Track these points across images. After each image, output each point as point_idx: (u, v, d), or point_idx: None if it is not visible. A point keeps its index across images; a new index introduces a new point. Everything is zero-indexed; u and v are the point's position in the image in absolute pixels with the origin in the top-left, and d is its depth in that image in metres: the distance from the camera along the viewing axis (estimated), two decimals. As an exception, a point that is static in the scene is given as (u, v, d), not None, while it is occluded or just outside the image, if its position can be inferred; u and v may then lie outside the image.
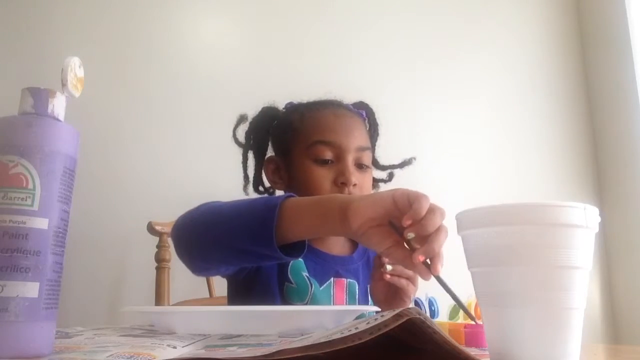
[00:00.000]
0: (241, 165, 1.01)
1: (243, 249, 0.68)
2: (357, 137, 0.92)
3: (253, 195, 1.01)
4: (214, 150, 1.45)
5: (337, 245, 0.96)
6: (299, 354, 0.35)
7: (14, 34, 1.34)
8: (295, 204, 0.67)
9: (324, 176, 0.89)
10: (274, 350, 0.35)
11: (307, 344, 0.35)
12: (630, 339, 1.89)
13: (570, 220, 0.40)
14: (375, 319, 0.36)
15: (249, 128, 1.01)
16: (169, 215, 1.21)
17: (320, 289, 0.90)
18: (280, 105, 1.03)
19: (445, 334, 0.39)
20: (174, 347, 0.45)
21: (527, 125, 2.01)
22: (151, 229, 1.21)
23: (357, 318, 0.62)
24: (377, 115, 1.05)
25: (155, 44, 1.49)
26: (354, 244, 1.00)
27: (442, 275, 0.58)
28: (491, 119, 1.94)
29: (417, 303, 0.76)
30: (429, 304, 0.73)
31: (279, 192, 1.00)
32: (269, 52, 1.62)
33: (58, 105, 0.44)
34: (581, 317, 0.41)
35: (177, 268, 0.86)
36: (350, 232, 0.62)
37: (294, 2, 1.70)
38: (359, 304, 0.92)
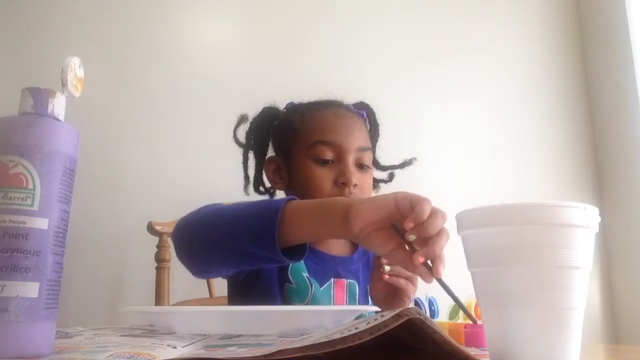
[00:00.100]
0: (241, 165, 1.01)
1: (244, 252, 0.68)
2: (357, 138, 0.92)
3: (253, 195, 1.01)
4: (214, 151, 1.45)
5: (337, 246, 0.96)
6: (299, 354, 0.35)
7: (14, 34, 1.34)
8: (297, 207, 0.67)
9: (324, 176, 0.89)
10: (274, 350, 0.35)
11: (307, 344, 0.35)
12: (630, 339, 1.89)
13: (570, 220, 0.40)
14: (375, 319, 0.36)
15: (249, 128, 1.01)
16: (169, 215, 1.21)
17: (321, 289, 0.90)
18: (281, 105, 1.03)
19: (445, 334, 0.39)
20: (174, 347, 0.45)
21: (527, 125, 2.01)
22: (151, 229, 1.21)
23: (357, 318, 0.62)
24: (377, 116, 1.05)
25: (155, 44, 1.49)
26: (354, 245, 0.99)
27: (443, 276, 0.58)
28: (491, 119, 1.94)
29: (417, 303, 0.76)
30: (429, 304, 0.73)
31: (280, 192, 1.00)
32: (269, 52, 1.62)
33: (58, 105, 0.44)
34: (581, 317, 0.41)
35: (177, 268, 0.86)
36: (352, 235, 0.62)
37: (294, 2, 1.70)
38: (359, 304, 0.92)
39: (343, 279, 0.93)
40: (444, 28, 1.93)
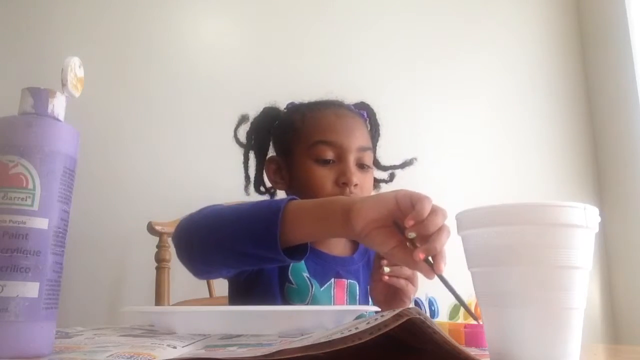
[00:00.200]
0: (241, 165, 1.01)
1: (245, 252, 0.68)
2: (358, 137, 0.92)
3: (254, 195, 1.01)
4: (214, 151, 1.45)
5: (338, 246, 0.96)
6: (299, 354, 0.35)
7: (14, 34, 1.34)
8: (298, 207, 0.67)
9: (325, 176, 0.89)
10: (274, 350, 0.35)
11: (307, 344, 0.35)
12: (630, 339, 1.89)
13: (570, 220, 0.40)
14: (375, 319, 0.36)
15: (250, 128, 1.01)
16: (169, 215, 1.21)
17: (321, 289, 0.90)
18: (282, 105, 1.03)
19: (445, 334, 0.39)
20: (174, 347, 0.45)
21: (527, 125, 2.01)
22: (151, 229, 1.21)
23: (357, 318, 0.62)
24: (377, 116, 1.05)
25: (155, 44, 1.49)
26: (355, 245, 1.00)
27: (445, 273, 0.58)
28: (491, 119, 1.94)
29: (417, 303, 0.76)
30: (429, 304, 0.73)
31: (280, 193, 1.00)
32: (269, 52, 1.62)
33: (58, 105, 0.44)
34: (581, 317, 0.41)
35: (177, 268, 0.86)
36: (353, 234, 0.62)
37: (294, 2, 1.70)
38: (359, 304, 0.92)
39: (343, 279, 0.93)
40: (444, 28, 1.93)
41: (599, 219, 0.42)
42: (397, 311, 0.36)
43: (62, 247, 0.43)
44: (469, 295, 0.54)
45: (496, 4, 2.06)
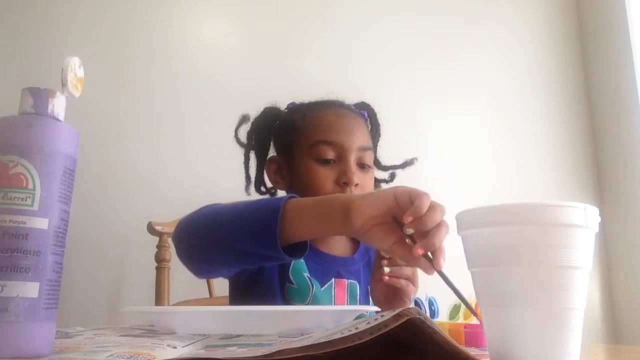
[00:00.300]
0: (242, 165, 1.01)
1: (246, 251, 0.68)
2: (359, 137, 0.92)
3: (255, 195, 1.01)
4: (214, 151, 1.45)
5: (338, 246, 0.96)
6: (299, 354, 0.35)
7: (14, 34, 1.34)
8: (297, 205, 0.67)
9: (326, 176, 0.89)
10: (274, 350, 0.35)
11: (307, 344, 0.35)
12: (630, 339, 1.89)
13: (570, 220, 0.40)
14: (375, 319, 0.36)
15: (250, 128, 1.01)
16: (169, 215, 1.21)
17: (322, 289, 0.90)
18: (282, 105, 1.03)
19: (445, 334, 0.39)
20: (174, 347, 0.45)
21: (527, 125, 2.01)
22: (151, 229, 1.21)
23: (357, 318, 0.62)
24: (378, 116, 1.05)
25: (155, 44, 1.49)
26: (356, 245, 1.00)
27: (445, 270, 0.58)
28: (491, 119, 1.94)
29: (417, 303, 0.76)
30: (429, 304, 0.73)
31: (281, 192, 1.00)
32: (269, 52, 1.62)
33: (58, 105, 0.44)
34: (581, 317, 0.41)
35: (177, 268, 0.86)
36: (352, 231, 0.62)
37: (294, 2, 1.70)
38: (360, 304, 0.92)
39: (344, 279, 0.93)
40: (444, 28, 1.93)
41: (599, 219, 0.42)
42: (397, 311, 0.36)
43: (62, 247, 0.43)
44: (469, 295, 0.54)
45: (496, 4, 2.06)
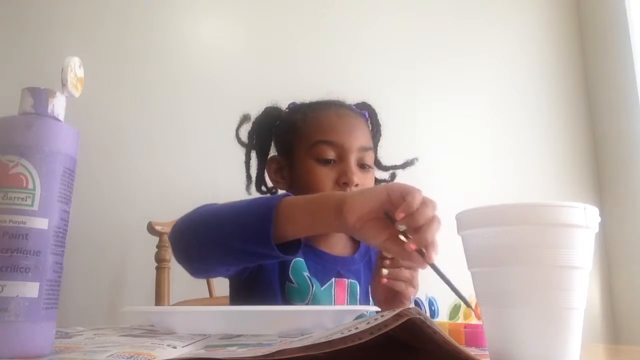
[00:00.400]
0: (241, 165, 1.01)
1: (241, 249, 0.69)
2: (359, 137, 0.92)
3: (255, 194, 1.01)
4: (214, 151, 1.45)
5: (338, 246, 0.97)
6: (299, 354, 0.35)
7: (14, 34, 1.34)
8: (291, 203, 0.68)
9: (326, 176, 0.89)
10: (274, 350, 0.35)
11: (307, 344, 0.35)
12: (630, 339, 1.89)
13: (570, 220, 0.40)
14: (376, 319, 0.36)
15: (251, 128, 1.01)
16: (169, 215, 1.21)
17: (322, 289, 0.90)
18: (283, 105, 1.03)
19: (446, 334, 0.39)
20: (174, 347, 0.45)
21: (527, 125, 2.01)
22: (151, 229, 1.21)
23: (357, 318, 0.62)
24: (379, 116, 1.06)
25: (155, 44, 1.49)
26: (356, 245, 1.00)
27: (443, 271, 0.59)
28: (491, 119, 1.94)
29: (417, 303, 0.76)
30: (429, 304, 0.73)
31: (282, 192, 1.00)
32: (269, 52, 1.62)
33: (58, 105, 0.44)
34: (581, 317, 0.41)
35: (177, 268, 0.86)
36: (346, 227, 0.63)
37: (295, 2, 1.70)
38: (360, 304, 0.92)
39: (344, 279, 0.93)
40: (444, 28, 1.93)
41: (599, 219, 0.42)
42: (397, 311, 0.36)
43: (62, 247, 0.43)
44: (468, 295, 0.54)
45: (496, 5, 2.06)
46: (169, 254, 1.18)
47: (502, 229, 0.41)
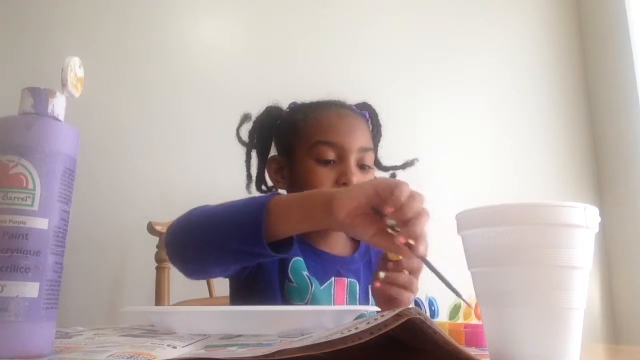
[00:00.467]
0: (241, 165, 1.01)
1: (235, 250, 0.70)
2: (359, 138, 0.92)
3: (256, 194, 1.01)
4: (214, 150, 1.45)
5: (338, 245, 0.97)
6: (299, 354, 0.35)
7: (14, 34, 1.34)
8: (282, 201, 0.69)
9: (325, 176, 0.89)
10: (274, 350, 0.35)
11: (307, 344, 0.35)
12: (630, 339, 1.89)
13: (570, 220, 0.40)
14: (376, 319, 0.36)
15: (252, 127, 1.01)
16: (169, 215, 1.20)
17: (321, 288, 0.90)
18: (284, 105, 1.03)
19: (446, 334, 0.39)
20: (174, 347, 0.45)
21: (527, 125, 2.01)
22: (151, 229, 1.21)
23: (357, 318, 0.62)
24: (379, 116, 1.06)
25: (156, 44, 1.49)
26: (356, 244, 1.00)
27: (443, 271, 0.59)
28: (491, 119, 1.94)
29: (417, 303, 0.76)
30: (429, 304, 0.73)
31: (282, 192, 1.00)
32: (270, 52, 1.62)
33: (58, 105, 0.44)
34: (581, 317, 0.41)
35: (177, 268, 0.86)
36: (336, 223, 0.64)
37: (295, 1, 1.70)
38: (359, 303, 0.92)
39: (344, 278, 0.93)
40: (444, 28, 1.93)
41: (599, 219, 0.42)
42: (397, 311, 0.36)
43: (62, 247, 0.43)
44: (468, 295, 0.54)
45: (496, 5, 2.06)
46: (169, 254, 1.18)
47: (502, 229, 0.41)
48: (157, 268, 1.19)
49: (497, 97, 1.97)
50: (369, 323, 0.36)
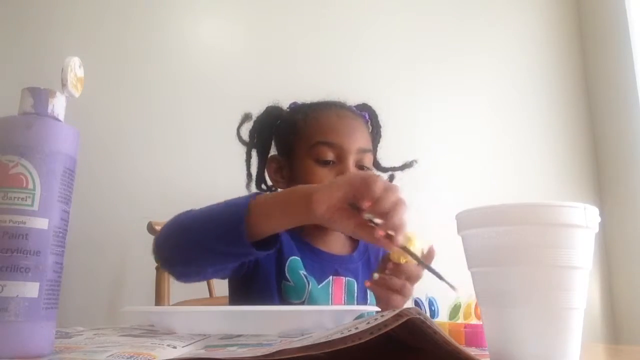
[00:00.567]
0: (241, 165, 1.01)
1: (219, 250, 0.71)
2: (358, 139, 0.92)
3: (255, 193, 1.01)
4: (214, 150, 1.45)
5: (337, 244, 0.97)
6: (299, 354, 0.35)
7: (14, 34, 1.34)
8: (263, 201, 0.70)
9: (325, 176, 0.89)
10: (274, 350, 0.35)
11: (307, 344, 0.35)
12: (630, 339, 1.89)
13: (570, 220, 0.40)
14: (376, 319, 0.36)
15: (253, 127, 1.01)
16: (169, 215, 1.20)
17: (319, 287, 0.90)
18: (284, 105, 1.03)
19: (446, 334, 0.39)
20: (174, 347, 0.45)
21: (527, 125, 2.01)
22: (151, 229, 1.20)
23: (357, 318, 0.62)
24: (379, 117, 1.06)
25: (155, 44, 1.49)
26: (354, 244, 1.00)
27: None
28: (491, 119, 1.94)
29: (417, 303, 0.75)
30: (429, 304, 0.73)
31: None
32: (270, 52, 1.62)
33: (58, 105, 0.44)
34: (581, 317, 0.41)
35: (177, 268, 0.86)
36: (317, 219, 0.65)
37: (295, 2, 1.70)
38: (357, 303, 0.93)
39: (342, 277, 0.93)
40: (444, 28, 1.93)
41: (599, 219, 0.42)
42: (397, 311, 0.36)
43: (62, 247, 0.43)
44: (468, 295, 0.54)
45: (496, 5, 2.06)
46: (169, 254, 1.18)
47: (502, 229, 0.41)
48: (157, 268, 1.19)
49: (497, 97, 1.97)
50: (369, 323, 0.36)
